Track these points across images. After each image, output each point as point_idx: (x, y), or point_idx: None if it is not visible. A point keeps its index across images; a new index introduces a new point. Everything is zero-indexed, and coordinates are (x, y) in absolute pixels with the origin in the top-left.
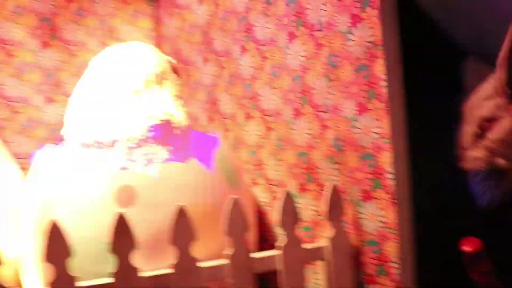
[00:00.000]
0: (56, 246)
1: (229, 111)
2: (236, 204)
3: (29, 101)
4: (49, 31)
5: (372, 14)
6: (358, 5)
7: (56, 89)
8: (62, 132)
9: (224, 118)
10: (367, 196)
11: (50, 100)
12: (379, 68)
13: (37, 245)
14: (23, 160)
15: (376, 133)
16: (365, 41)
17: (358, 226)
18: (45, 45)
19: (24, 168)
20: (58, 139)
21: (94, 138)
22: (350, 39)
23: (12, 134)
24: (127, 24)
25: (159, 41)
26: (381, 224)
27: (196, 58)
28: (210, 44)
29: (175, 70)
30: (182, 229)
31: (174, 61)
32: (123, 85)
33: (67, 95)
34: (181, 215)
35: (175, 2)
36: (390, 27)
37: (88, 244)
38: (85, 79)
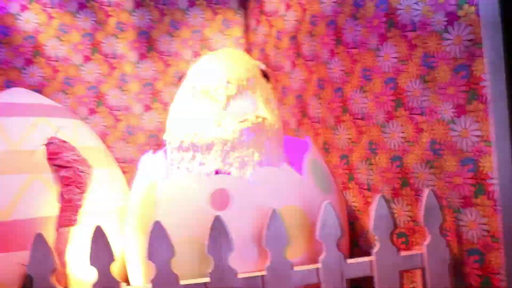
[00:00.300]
0: (159, 246)
1: (319, 115)
2: (329, 208)
3: (130, 109)
4: (146, 43)
5: (470, 11)
6: (454, 1)
7: (153, 97)
8: (163, 137)
9: (314, 122)
10: (468, 203)
11: (148, 108)
12: (480, 68)
13: (140, 244)
14: (125, 165)
15: (477, 136)
16: (464, 40)
17: (457, 234)
18: (143, 56)
19: (125, 172)
20: (156, 145)
21: (190, 142)
22: (447, 38)
23: (115, 140)
24: (218, 33)
25: (249, 47)
26: (484, 233)
27: (284, 63)
28: (299, 49)
29: (265, 75)
30: (275, 232)
31: (264, 66)
32: (217, 90)
33: (163, 103)
34: (275, 219)
35: (263, 9)
36: (492, 23)
37: (187, 245)
38: (182, 87)
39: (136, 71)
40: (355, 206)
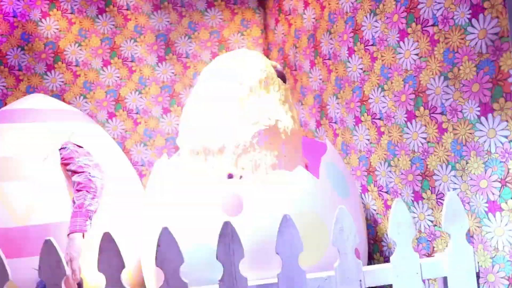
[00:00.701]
0: (167, 252)
1: (338, 116)
2: (345, 213)
3: (148, 112)
4: (164, 46)
5: (496, 2)
6: None
7: (171, 100)
8: (176, 141)
9: (333, 122)
10: (495, 207)
11: (166, 111)
12: (507, 63)
13: (151, 250)
14: (143, 168)
15: (504, 136)
16: (489, 34)
17: (483, 240)
18: (161, 59)
19: (144, 175)
20: (174, 147)
21: (203, 146)
22: (470, 32)
23: (134, 143)
24: (237, 34)
25: (268, 47)
26: (511, 239)
27: (303, 63)
28: (317, 48)
29: (280, 75)
30: (288, 238)
31: (279, 66)
32: (230, 92)
33: (182, 105)
34: (287, 224)
35: (282, 8)
36: None
37: (197, 251)
38: (195, 89)
39: (155, 74)
40: (375, 210)
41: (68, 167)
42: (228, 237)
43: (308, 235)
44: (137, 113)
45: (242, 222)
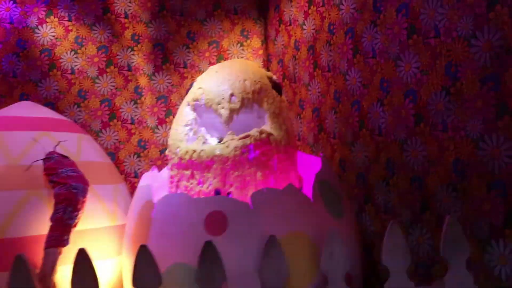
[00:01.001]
0: (144, 272)
1: (336, 130)
2: (336, 237)
3: (143, 123)
4: (161, 55)
5: (502, 13)
6: (483, 3)
7: (167, 111)
8: (166, 153)
9: (331, 137)
10: (499, 233)
11: (161, 122)
12: None
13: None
14: (136, 180)
15: (509, 156)
16: (494, 46)
17: (485, 269)
18: (158, 69)
19: (136, 187)
20: (166, 160)
21: (189, 160)
22: (474, 45)
23: (127, 154)
24: (236, 44)
25: (268, 58)
26: None
27: (302, 75)
28: (317, 59)
29: (276, 87)
30: (274, 262)
31: (275, 77)
32: (220, 104)
33: None
34: (273, 247)
35: (282, 18)
36: None
37: (177, 271)
38: (186, 99)
39: (151, 83)
40: (372, 231)
41: (50, 178)
42: (209, 258)
43: (297, 259)
44: (131, 124)
45: (225, 242)
